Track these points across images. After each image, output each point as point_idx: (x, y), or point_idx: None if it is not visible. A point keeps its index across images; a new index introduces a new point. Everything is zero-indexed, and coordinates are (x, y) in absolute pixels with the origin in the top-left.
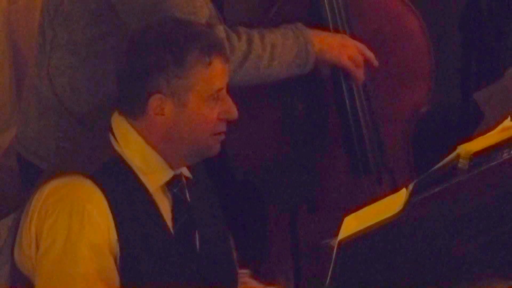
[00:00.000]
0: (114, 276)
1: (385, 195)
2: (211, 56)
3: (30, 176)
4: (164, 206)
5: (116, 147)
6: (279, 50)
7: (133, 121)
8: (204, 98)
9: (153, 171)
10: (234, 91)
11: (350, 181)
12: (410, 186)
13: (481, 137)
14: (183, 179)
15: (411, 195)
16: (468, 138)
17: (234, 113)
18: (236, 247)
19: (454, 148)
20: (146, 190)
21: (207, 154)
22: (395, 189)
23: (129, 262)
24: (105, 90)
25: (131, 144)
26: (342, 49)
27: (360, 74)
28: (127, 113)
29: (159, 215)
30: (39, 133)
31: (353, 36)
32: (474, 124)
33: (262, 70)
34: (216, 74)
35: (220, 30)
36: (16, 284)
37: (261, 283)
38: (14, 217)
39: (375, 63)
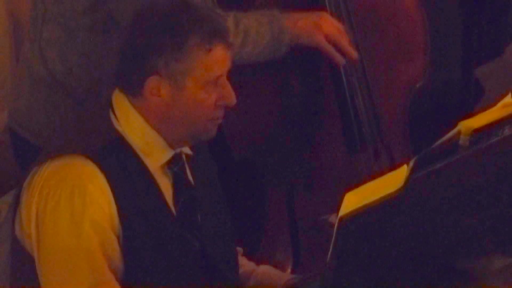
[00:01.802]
0: (117, 255)
1: (382, 171)
2: (212, 43)
3: (23, 152)
4: (165, 186)
5: (117, 126)
6: (252, 37)
7: (132, 99)
8: (202, 84)
9: (153, 151)
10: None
11: (347, 157)
12: (411, 163)
13: (482, 113)
14: (184, 157)
15: (412, 171)
16: (469, 115)
17: (232, 99)
18: (233, 225)
19: (455, 125)
20: (147, 170)
21: (203, 138)
22: (392, 165)
23: (131, 242)
24: (97, 65)
25: (131, 123)
26: (317, 30)
27: (337, 55)
28: (125, 90)
29: (160, 194)
30: (30, 108)
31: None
32: (475, 100)
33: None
34: (216, 61)
35: (224, 17)
36: (17, 259)
37: (255, 262)
38: (14, 194)
39: (353, 54)
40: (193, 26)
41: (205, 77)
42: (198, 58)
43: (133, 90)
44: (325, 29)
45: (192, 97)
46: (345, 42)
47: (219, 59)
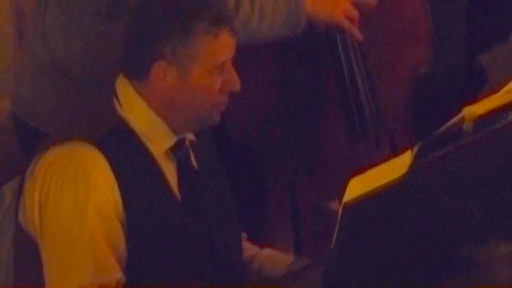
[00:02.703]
0: (121, 242)
1: (384, 158)
2: (219, 28)
3: (27, 138)
4: (169, 171)
5: (120, 112)
6: (268, 13)
7: (137, 84)
8: (208, 69)
9: (157, 136)
10: None
11: (348, 143)
12: (415, 149)
13: (486, 99)
14: (188, 143)
15: (416, 157)
16: (473, 101)
17: (237, 85)
18: (236, 211)
19: (459, 111)
20: (150, 156)
21: (208, 124)
22: (395, 152)
23: (135, 228)
24: (101, 51)
25: (135, 109)
26: (335, 6)
27: (356, 31)
28: (131, 76)
29: (164, 180)
30: (33, 94)
31: None
32: (479, 86)
33: (251, 31)
34: (222, 46)
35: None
36: (21, 246)
37: (258, 246)
38: (19, 180)
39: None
40: (201, 11)
41: (212, 63)
42: (205, 44)
43: (139, 75)
44: (343, 5)
45: (198, 82)
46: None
47: (225, 44)
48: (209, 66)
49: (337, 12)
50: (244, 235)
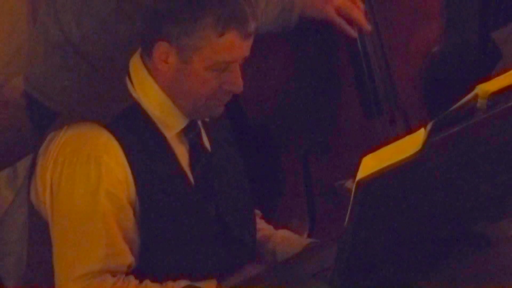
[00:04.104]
0: (132, 226)
1: (398, 136)
2: (227, 27)
3: (39, 116)
4: (182, 153)
5: (133, 92)
6: (262, 9)
7: (147, 62)
8: (208, 65)
9: (169, 118)
10: None
11: (363, 122)
12: (428, 126)
13: (500, 76)
14: (200, 124)
15: (429, 135)
16: (486, 78)
17: (238, 88)
18: (250, 191)
19: (472, 88)
20: (163, 138)
21: (210, 115)
22: (408, 130)
23: (147, 210)
24: (113, 30)
25: (147, 90)
26: (326, 3)
27: (348, 29)
28: (143, 53)
29: (176, 161)
30: (46, 72)
31: None
32: (493, 63)
33: None
34: (227, 46)
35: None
36: (34, 224)
37: (273, 225)
38: (31, 158)
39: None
40: (213, 5)
41: (213, 60)
42: (207, 39)
43: (146, 51)
44: (336, 1)
45: (195, 73)
46: (357, 14)
47: (230, 45)
48: (210, 62)
49: (327, 9)
50: (258, 212)
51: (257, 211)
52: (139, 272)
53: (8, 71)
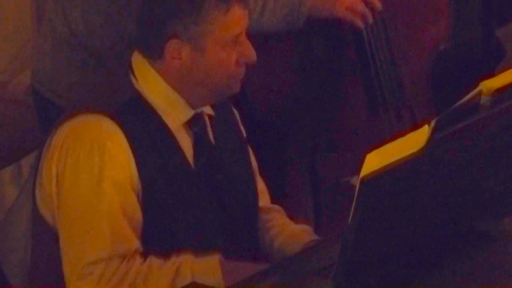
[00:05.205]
0: (137, 213)
1: (405, 133)
2: (229, 3)
3: (46, 112)
4: (186, 145)
5: (136, 86)
6: (270, 7)
7: (152, 61)
8: (221, 44)
9: (173, 110)
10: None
11: (369, 119)
12: (432, 123)
13: (504, 73)
14: (205, 117)
15: (433, 131)
16: (490, 75)
17: (252, 56)
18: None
19: (476, 85)
20: (167, 128)
21: (228, 94)
22: (415, 127)
23: (151, 199)
24: (119, 25)
25: (150, 83)
26: (336, 1)
27: (358, 22)
28: (145, 54)
29: (180, 152)
30: (52, 68)
31: None
32: (497, 61)
33: (251, 22)
34: (234, 20)
35: None
36: (37, 220)
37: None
38: (36, 155)
39: (379, 6)
40: None
41: (225, 37)
42: (216, 19)
43: (153, 54)
44: (347, 1)
45: (213, 58)
46: (362, 8)
47: (237, 17)
48: (223, 41)
49: (338, 7)
50: (279, 208)
51: (277, 207)
52: (143, 247)
53: (13, 68)
